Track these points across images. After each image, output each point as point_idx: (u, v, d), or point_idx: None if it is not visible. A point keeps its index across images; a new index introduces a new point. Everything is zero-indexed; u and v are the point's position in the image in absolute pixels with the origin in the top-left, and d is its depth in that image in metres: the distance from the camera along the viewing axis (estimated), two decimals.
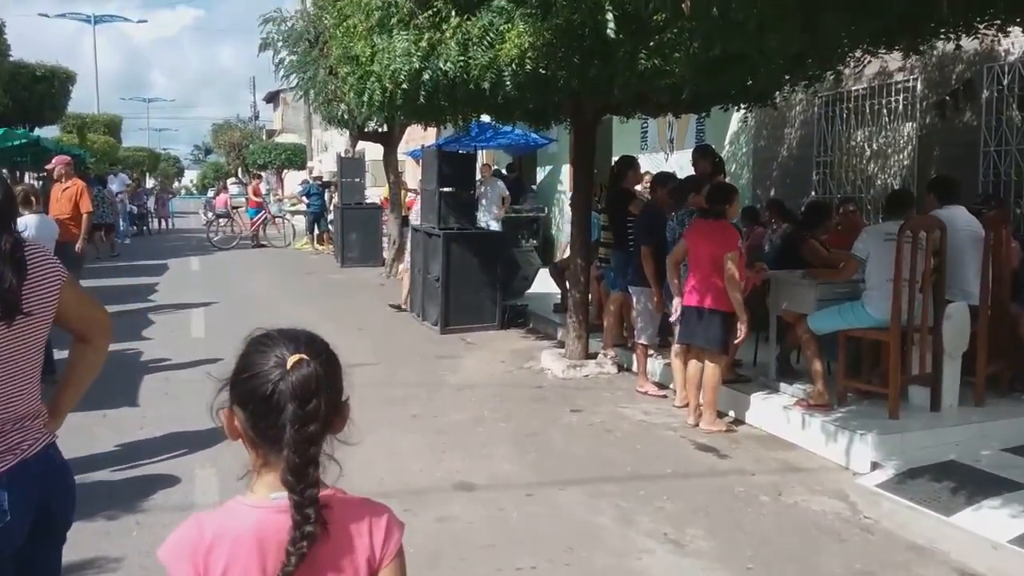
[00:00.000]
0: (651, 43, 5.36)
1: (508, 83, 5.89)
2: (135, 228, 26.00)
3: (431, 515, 4.59)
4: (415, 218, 11.67)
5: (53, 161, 10.13)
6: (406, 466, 5.39)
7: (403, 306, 11.07)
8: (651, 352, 7.48)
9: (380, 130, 14.40)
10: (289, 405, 1.41)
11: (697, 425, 6.27)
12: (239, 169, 46.27)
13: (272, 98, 56.80)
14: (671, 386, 7.20)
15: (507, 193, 14.48)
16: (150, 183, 45.49)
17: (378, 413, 6.59)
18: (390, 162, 14.83)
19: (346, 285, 14.09)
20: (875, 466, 5.30)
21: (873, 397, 6.09)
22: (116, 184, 23.90)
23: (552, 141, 15.98)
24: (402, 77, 6.41)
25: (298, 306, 11.76)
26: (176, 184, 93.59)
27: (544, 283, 11.23)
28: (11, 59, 21.00)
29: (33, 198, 7.20)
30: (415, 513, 4.57)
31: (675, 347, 6.73)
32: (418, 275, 10.66)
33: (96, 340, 2.51)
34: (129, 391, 7.15)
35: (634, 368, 7.63)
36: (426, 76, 6.21)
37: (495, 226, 13.16)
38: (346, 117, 13.99)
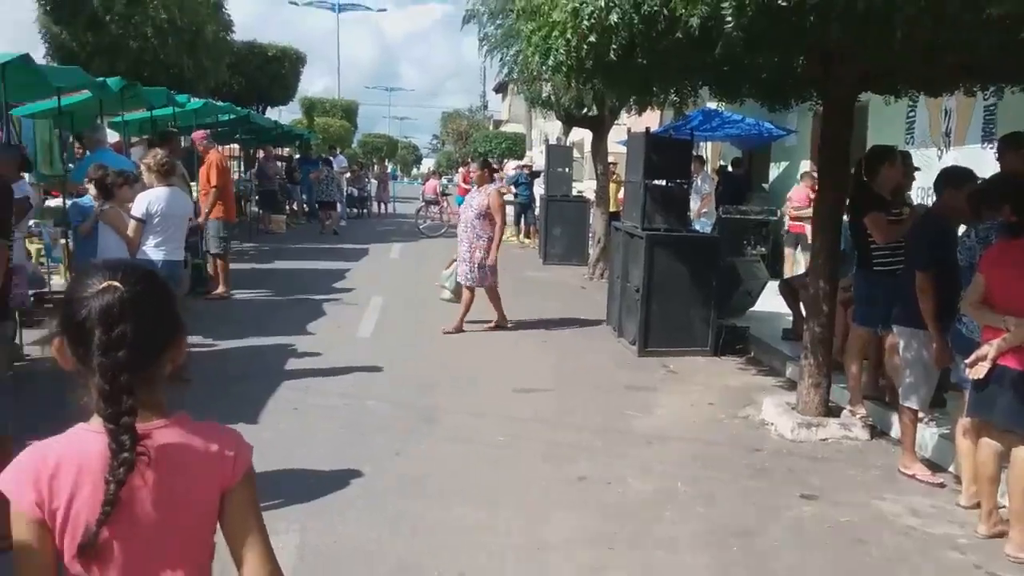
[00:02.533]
0: None
1: (729, 21, 4.06)
2: (355, 211, 26.09)
3: None
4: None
5: (194, 134, 9.52)
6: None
7: (450, 329, 8.77)
8: (922, 417, 5.37)
9: (588, 114, 12.81)
10: (96, 330, 1.42)
11: (995, 536, 4.19)
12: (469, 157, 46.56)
13: (501, 88, 56.88)
14: (950, 469, 5.08)
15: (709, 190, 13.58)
16: (389, 168, 47.09)
17: (532, 469, 5.01)
18: (598, 150, 13.19)
19: (542, 285, 12.65)
20: None
21: None
22: (336, 164, 23.99)
23: (790, 132, 13.70)
24: (586, 23, 4.74)
25: (484, 304, 10.45)
26: (414, 171, 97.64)
27: (771, 300, 9.20)
28: (236, 38, 21.35)
29: (168, 169, 6.24)
30: None
31: (963, 420, 4.63)
32: (616, 282, 8.97)
33: None
34: (256, 400, 6.03)
35: (893, 433, 5.57)
36: (614, 17, 4.51)
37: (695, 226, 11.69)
38: (551, 99, 12.58)
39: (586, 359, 7.96)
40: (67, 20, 14.95)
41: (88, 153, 8.13)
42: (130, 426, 1.41)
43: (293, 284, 11.48)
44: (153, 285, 1.50)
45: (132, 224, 6.05)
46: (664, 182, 8.43)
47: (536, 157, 31.39)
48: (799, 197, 12.44)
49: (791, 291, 8.57)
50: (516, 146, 37.31)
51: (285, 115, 32.29)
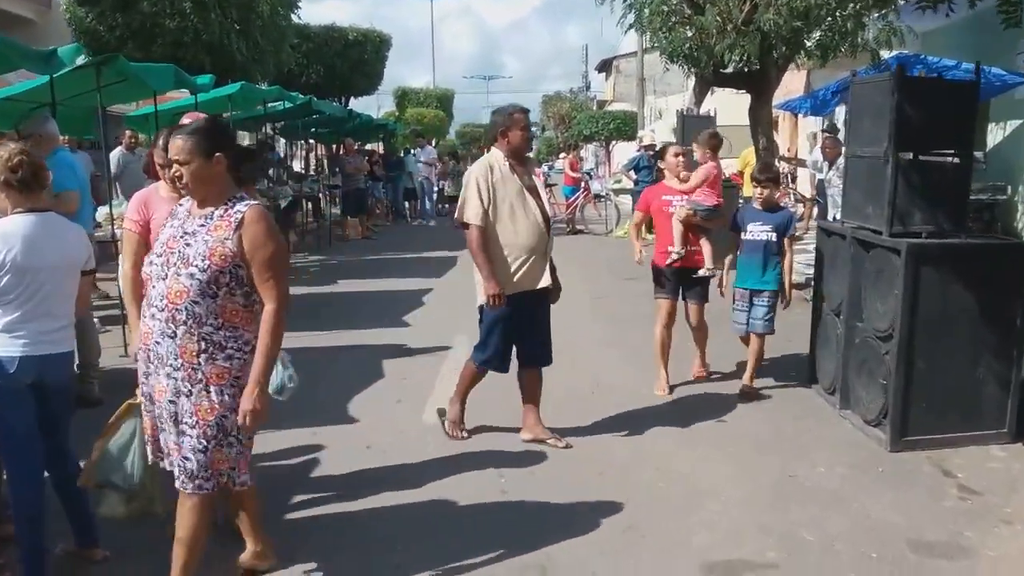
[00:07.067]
0: None
1: None
2: (447, 206, 23.24)
3: None
4: (832, 212, 6.59)
5: (184, 117, 6.27)
6: None
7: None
8: None
9: (747, 69, 9.40)
10: None
11: None
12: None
13: (604, 67, 53.40)
14: None
15: None
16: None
17: None
18: (760, 118, 9.74)
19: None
20: None
21: None
22: (423, 155, 21.20)
23: None
24: None
25: (599, 347, 7.26)
26: None
27: None
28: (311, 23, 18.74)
29: (29, 177, 3.25)
30: None
31: None
32: (834, 322, 5.60)
33: None
34: None
35: None
36: None
37: None
38: (694, 49, 9.22)
39: (799, 461, 4.64)
40: (93, 1, 12.51)
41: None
42: None
43: (350, 318, 8.50)
44: None
45: None
46: (922, 155, 5.02)
47: (649, 137, 27.86)
48: None
49: None
50: (625, 126, 33.75)
51: (373, 106, 29.71)
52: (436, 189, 21.46)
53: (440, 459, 4.69)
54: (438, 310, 9.06)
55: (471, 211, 4.65)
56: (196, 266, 2.91)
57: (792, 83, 17.52)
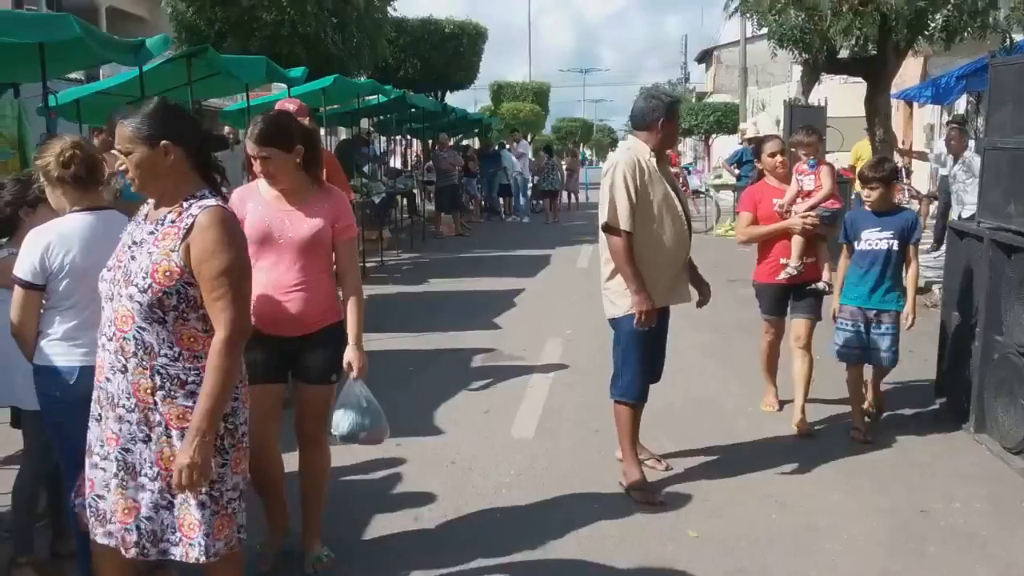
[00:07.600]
0: None
1: None
2: (540, 203, 22.89)
3: None
4: (956, 210, 5.97)
5: (281, 103, 5.88)
6: None
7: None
8: None
9: (863, 54, 8.74)
10: None
11: None
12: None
13: (704, 57, 52.12)
14: None
15: None
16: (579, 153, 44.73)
17: None
18: (877, 107, 9.03)
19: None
20: None
21: None
22: (521, 147, 20.99)
23: None
24: None
25: (700, 355, 6.79)
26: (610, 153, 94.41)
27: None
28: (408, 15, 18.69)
29: (83, 174, 3.06)
30: None
31: None
32: (968, 335, 5.03)
33: None
34: None
35: None
36: None
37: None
38: (806, 33, 8.63)
39: (930, 494, 4.12)
40: None
41: None
42: None
43: (439, 319, 8.29)
44: None
45: (15, 294, 2.98)
46: None
47: (751, 130, 26.91)
48: None
49: None
50: (726, 118, 32.76)
51: (470, 101, 29.70)
52: (530, 185, 21.21)
53: (526, 479, 4.37)
54: (530, 312, 8.76)
55: (623, 215, 3.91)
56: (136, 285, 2.39)
57: (907, 70, 16.51)
